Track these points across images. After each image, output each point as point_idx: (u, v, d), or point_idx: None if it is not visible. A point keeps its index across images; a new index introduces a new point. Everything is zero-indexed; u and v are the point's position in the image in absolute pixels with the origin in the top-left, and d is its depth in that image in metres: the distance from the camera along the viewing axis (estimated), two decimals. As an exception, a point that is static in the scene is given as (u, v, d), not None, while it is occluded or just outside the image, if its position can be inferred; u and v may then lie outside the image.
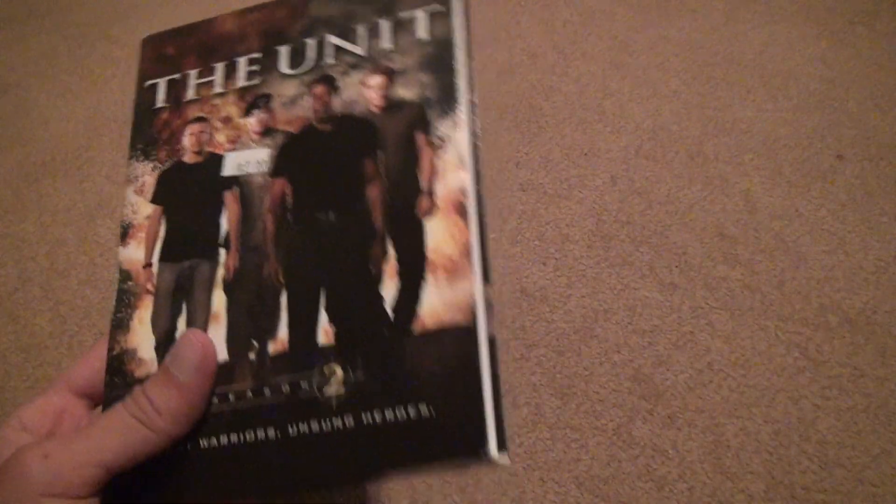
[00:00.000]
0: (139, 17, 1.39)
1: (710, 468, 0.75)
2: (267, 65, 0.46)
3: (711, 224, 0.96)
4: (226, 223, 0.42)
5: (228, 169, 0.44)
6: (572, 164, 1.05)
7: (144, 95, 0.48)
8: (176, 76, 0.48)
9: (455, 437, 0.32)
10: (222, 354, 0.38)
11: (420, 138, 0.40)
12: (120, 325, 0.41)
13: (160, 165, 0.45)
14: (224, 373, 0.38)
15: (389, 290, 0.36)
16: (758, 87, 1.14)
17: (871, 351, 0.83)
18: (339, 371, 0.35)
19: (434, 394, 0.33)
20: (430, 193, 0.38)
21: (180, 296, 0.41)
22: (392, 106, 0.42)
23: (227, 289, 0.40)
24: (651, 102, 1.13)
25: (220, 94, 0.46)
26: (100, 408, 0.40)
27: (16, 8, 1.44)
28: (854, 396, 0.79)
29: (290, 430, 0.35)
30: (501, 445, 0.32)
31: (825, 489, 0.73)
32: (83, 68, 1.29)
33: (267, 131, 0.45)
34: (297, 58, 0.45)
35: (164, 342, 0.40)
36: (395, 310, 0.36)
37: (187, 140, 0.46)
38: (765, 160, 1.03)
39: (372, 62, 0.43)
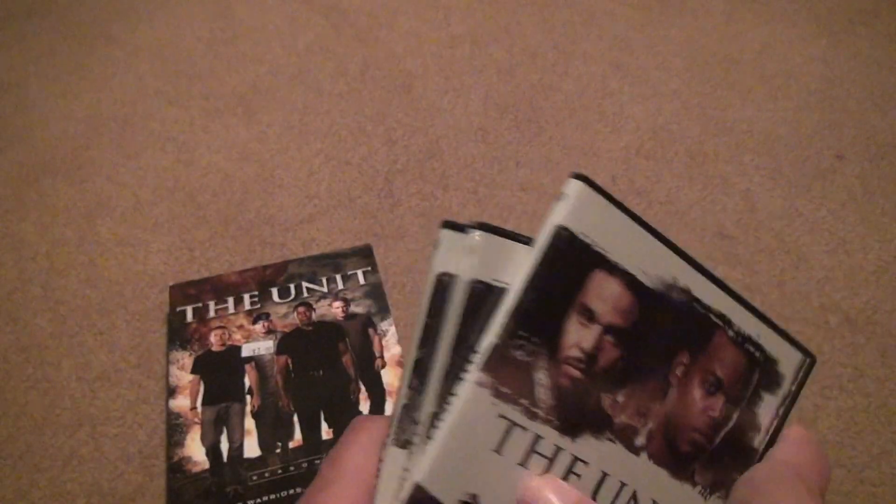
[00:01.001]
0: (139, 17, 1.39)
1: (710, 468, 0.75)
2: (263, 297, 0.78)
3: (712, 224, 0.96)
4: (248, 381, 0.70)
5: (246, 352, 0.72)
6: (573, 164, 1.05)
7: (176, 317, 0.79)
8: (199, 305, 0.79)
9: None
10: (256, 451, 0.67)
11: (370, 331, 0.75)
12: (177, 444, 0.68)
13: (194, 352, 0.73)
14: (259, 462, 0.66)
15: (365, 407, 0.69)
16: (758, 86, 1.14)
17: (871, 351, 0.83)
18: None
19: None
20: (381, 357, 0.73)
21: (221, 423, 0.68)
22: (350, 316, 0.76)
23: (255, 416, 0.68)
24: (651, 102, 1.13)
25: (233, 314, 0.76)
26: None
27: (15, 7, 1.43)
28: (854, 396, 0.79)
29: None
30: None
31: (825, 489, 0.73)
32: (83, 68, 1.29)
33: (269, 331, 0.74)
34: (283, 293, 0.78)
35: (212, 450, 0.67)
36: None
37: (213, 338, 0.74)
38: (765, 160, 1.03)
39: (333, 295, 0.78)
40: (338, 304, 0.75)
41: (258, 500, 0.63)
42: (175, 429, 0.67)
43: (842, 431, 0.77)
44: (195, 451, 0.65)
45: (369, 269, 0.79)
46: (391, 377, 0.69)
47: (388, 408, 0.65)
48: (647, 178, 1.02)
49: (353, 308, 0.75)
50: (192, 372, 0.71)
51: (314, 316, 0.74)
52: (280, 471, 0.63)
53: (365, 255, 0.82)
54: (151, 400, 0.84)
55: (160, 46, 1.32)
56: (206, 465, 0.63)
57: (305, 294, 0.77)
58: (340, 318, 0.74)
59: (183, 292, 0.79)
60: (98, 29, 1.37)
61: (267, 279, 0.79)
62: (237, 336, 0.73)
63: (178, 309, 0.77)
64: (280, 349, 0.72)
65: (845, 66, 1.16)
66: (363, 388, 0.68)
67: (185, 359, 0.72)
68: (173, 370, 0.71)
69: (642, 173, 1.03)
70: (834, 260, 0.91)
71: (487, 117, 1.13)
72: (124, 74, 1.27)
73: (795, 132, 1.07)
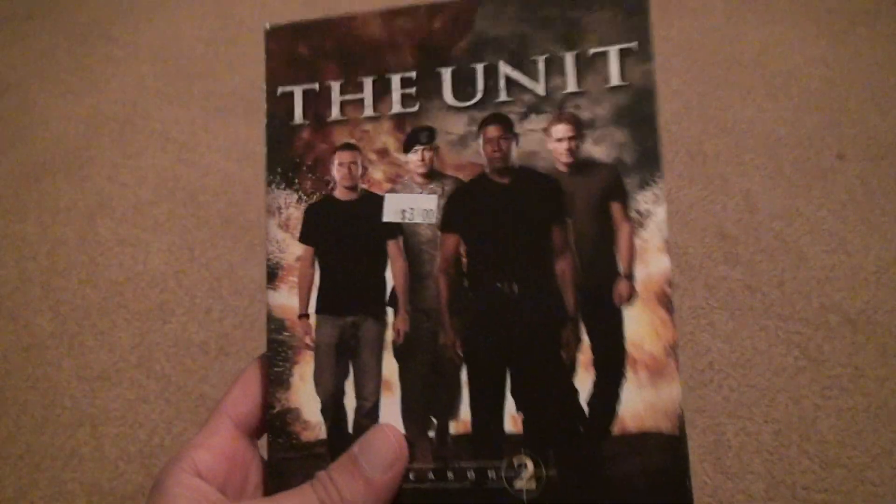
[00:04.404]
0: (139, 17, 1.39)
1: (710, 468, 0.75)
2: (426, 88, 0.38)
3: (712, 224, 0.96)
4: (391, 278, 0.38)
5: (390, 214, 0.38)
6: (573, 164, 1.05)
7: (278, 105, 0.40)
8: (315, 86, 0.40)
9: None
10: (398, 426, 0.36)
11: (616, 210, 0.35)
12: (279, 380, 0.37)
13: (306, 198, 0.40)
14: None
15: (584, 382, 0.33)
16: (758, 86, 1.14)
17: (871, 351, 0.83)
18: (530, 465, 0.33)
19: (638, 502, 0.31)
20: (630, 277, 0.34)
21: (345, 355, 0.38)
22: (582, 166, 0.36)
23: (398, 354, 0.37)
24: (651, 102, 1.13)
25: (372, 119, 0.39)
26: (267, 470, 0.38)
27: (16, 7, 1.43)
28: (854, 396, 0.79)
29: None
30: None
31: (825, 489, 0.73)
32: (83, 68, 1.29)
33: (432, 174, 0.38)
34: (463, 85, 0.38)
35: (332, 406, 0.37)
36: (590, 405, 0.33)
37: (337, 171, 0.39)
38: (765, 160, 1.03)
39: (555, 106, 0.36)
40: (562, 129, 0.36)
41: None
42: (278, 350, 0.38)
43: (842, 431, 0.77)
44: (306, 400, 0.37)
45: (635, 45, 0.37)
46: (642, 328, 0.33)
47: (627, 390, 0.33)
48: (647, 178, 1.02)
49: (591, 146, 0.36)
50: (303, 240, 0.39)
51: (514, 152, 0.37)
52: (432, 475, 0.35)
53: (630, 11, 0.37)
54: (152, 399, 0.84)
55: (161, 46, 1.32)
56: (323, 434, 0.37)
57: (503, 95, 0.37)
58: (563, 167, 0.36)
59: (290, 52, 0.41)
60: (98, 29, 1.37)
61: (436, 41, 0.39)
62: (377, 174, 0.39)
63: (281, 90, 0.41)
64: (448, 221, 0.38)
65: (846, 66, 1.16)
66: (586, 340, 0.34)
67: (293, 207, 0.40)
68: (272, 227, 0.39)
69: (642, 173, 1.03)
70: (834, 260, 0.91)
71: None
72: (125, 74, 1.27)
73: (796, 132, 1.07)
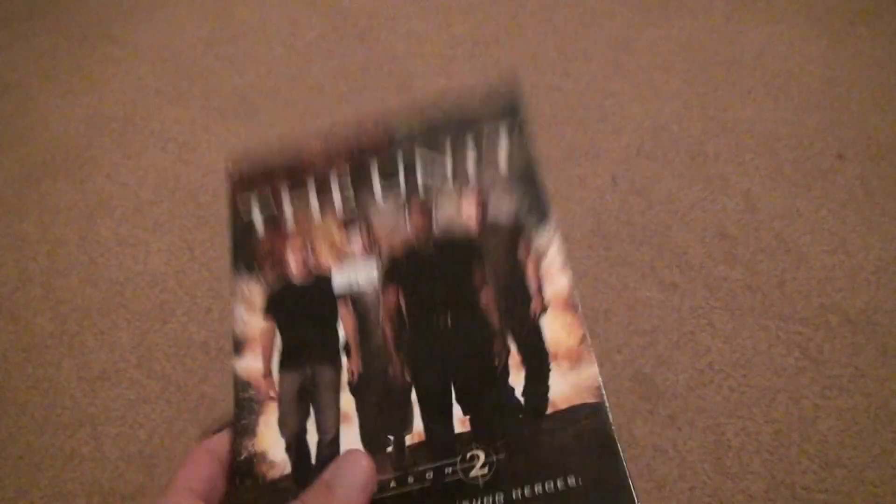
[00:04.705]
0: (140, 17, 1.39)
1: (710, 468, 0.75)
2: (360, 186, 0.48)
3: (712, 224, 0.96)
4: (343, 332, 0.45)
5: (339, 288, 0.46)
6: (573, 164, 1.05)
7: (240, 219, 0.50)
8: (268, 198, 0.50)
9: (605, 501, 0.36)
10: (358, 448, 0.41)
11: (521, 251, 0.45)
12: (245, 431, 0.42)
13: (267, 284, 0.47)
14: None
15: (518, 380, 0.40)
16: (758, 86, 1.14)
17: (871, 351, 0.83)
18: (481, 454, 0.38)
19: (578, 465, 0.37)
20: (540, 296, 0.43)
21: (305, 399, 0.43)
22: (490, 226, 0.46)
23: (354, 390, 0.43)
24: (652, 102, 1.13)
25: (320, 222, 0.49)
26: None
27: (17, 7, 1.43)
28: (855, 396, 0.79)
29: None
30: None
31: (826, 489, 0.73)
32: (84, 68, 1.29)
33: (370, 248, 0.48)
34: (387, 174, 0.48)
35: (295, 443, 0.42)
36: (524, 396, 0.40)
37: (293, 262, 0.48)
38: (765, 160, 1.03)
39: (461, 183, 0.47)
40: (469, 201, 0.47)
41: None
42: (244, 406, 0.44)
43: (842, 431, 0.77)
44: (271, 443, 0.42)
45: (516, 129, 0.49)
46: (556, 330, 0.42)
47: (554, 379, 0.41)
48: (647, 178, 1.02)
49: (493, 209, 0.47)
50: (265, 315, 0.47)
51: (435, 225, 0.47)
52: (393, 483, 0.40)
53: (508, 102, 0.51)
54: (152, 399, 0.84)
55: (161, 46, 1.32)
56: (288, 469, 0.41)
57: (420, 179, 0.48)
58: (474, 229, 0.47)
59: (247, 177, 0.51)
60: (99, 29, 1.37)
61: (363, 148, 0.51)
62: (325, 258, 0.48)
63: (243, 208, 0.50)
64: (387, 281, 0.46)
65: (846, 66, 1.16)
66: (513, 348, 0.42)
67: (255, 293, 0.47)
68: (239, 311, 0.47)
69: (643, 173, 1.03)
70: (834, 260, 0.91)
71: (488, 117, 1.13)
72: (125, 74, 1.27)
73: (796, 132, 1.07)
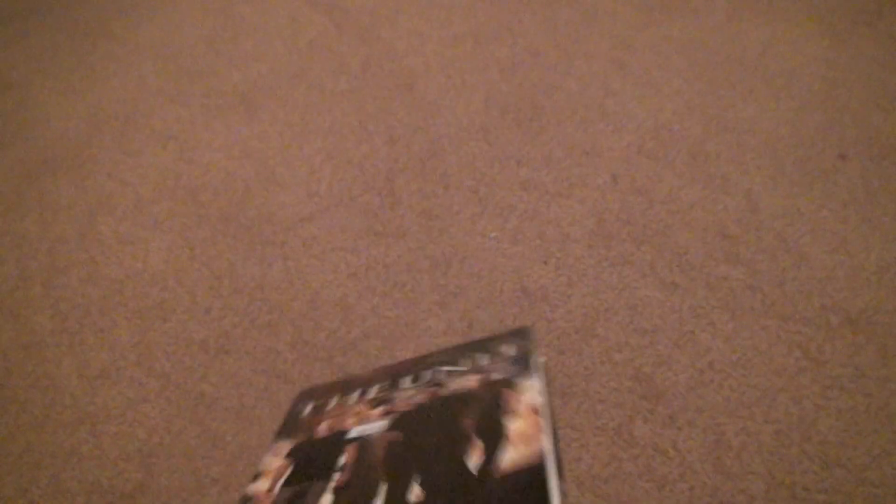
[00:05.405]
0: (140, 15, 1.39)
1: (710, 468, 0.75)
2: (392, 387, 0.63)
3: (713, 223, 0.96)
4: (343, 459, 0.56)
5: (352, 434, 0.58)
6: (574, 163, 1.05)
7: (292, 413, 0.65)
8: (320, 402, 0.65)
9: None
10: None
11: (506, 391, 0.57)
12: None
13: (295, 440, 0.61)
14: None
15: (475, 459, 0.49)
16: (760, 86, 1.14)
17: (872, 351, 0.82)
18: None
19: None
20: (514, 412, 0.54)
21: (294, 502, 0.53)
22: (486, 384, 0.59)
23: (336, 491, 0.53)
24: (653, 101, 1.13)
25: (354, 404, 0.63)
26: None
27: (18, 5, 1.43)
28: (855, 396, 0.79)
29: None
30: None
31: (826, 489, 0.73)
32: (85, 66, 1.29)
33: (387, 413, 0.60)
34: (416, 379, 0.64)
35: None
36: (478, 469, 0.48)
37: (322, 426, 0.62)
38: (766, 159, 1.03)
39: (472, 370, 0.61)
40: (475, 377, 0.60)
41: None
42: None
43: (842, 431, 0.77)
44: None
45: (526, 349, 0.64)
46: (521, 426, 0.52)
47: (506, 453, 0.50)
48: (648, 178, 1.02)
49: (493, 376, 0.60)
50: (286, 457, 0.59)
51: (444, 393, 0.60)
52: None
53: (520, 337, 0.66)
54: (152, 398, 0.84)
55: (162, 44, 1.32)
56: None
57: (441, 377, 0.62)
58: (474, 388, 0.59)
59: (309, 395, 0.68)
60: (99, 27, 1.37)
61: (401, 370, 0.67)
62: (349, 421, 0.61)
63: (297, 408, 0.66)
64: (393, 425, 0.58)
65: (847, 66, 1.16)
66: (479, 442, 0.52)
67: (285, 446, 0.60)
68: (266, 457, 0.60)
69: (644, 172, 1.03)
70: (835, 260, 0.91)
71: (489, 116, 1.13)
72: (126, 72, 1.27)
73: (797, 132, 1.06)
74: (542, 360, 0.64)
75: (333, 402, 0.64)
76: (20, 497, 0.77)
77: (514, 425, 0.52)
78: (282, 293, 0.92)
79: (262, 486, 0.56)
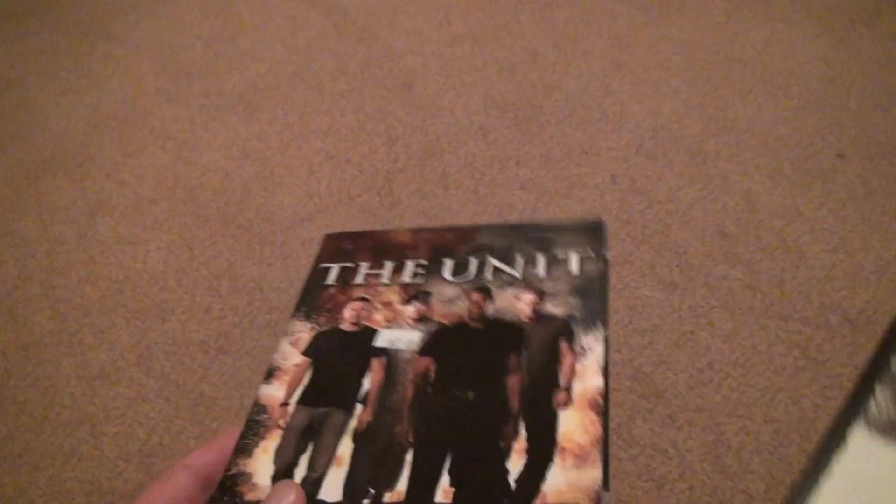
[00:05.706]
0: (139, 15, 1.38)
1: (710, 467, 0.75)
2: (432, 270, 0.52)
3: (712, 223, 0.96)
4: (368, 383, 0.47)
5: (381, 341, 0.49)
6: (573, 163, 1.05)
7: (317, 274, 0.54)
8: (349, 265, 0.54)
9: None
10: (337, 495, 0.41)
11: (563, 345, 0.45)
12: (243, 449, 0.44)
13: (318, 327, 0.51)
14: None
15: (516, 465, 0.39)
16: (758, 86, 1.14)
17: (871, 351, 0.82)
18: None
19: None
20: (568, 390, 0.43)
21: (309, 436, 0.45)
22: (541, 318, 0.47)
23: (356, 438, 0.44)
24: (652, 101, 1.13)
25: (386, 285, 0.52)
26: None
27: (16, 5, 1.43)
28: (854, 396, 0.79)
29: None
30: None
31: (825, 489, 0.73)
32: (83, 66, 1.29)
33: (422, 319, 0.50)
34: (459, 269, 0.52)
35: (283, 474, 0.43)
36: (517, 482, 0.39)
37: (348, 312, 0.51)
38: (765, 159, 1.03)
39: (526, 283, 0.49)
40: (529, 296, 0.49)
41: None
42: (251, 427, 0.46)
43: (842, 431, 0.77)
44: (261, 467, 0.44)
45: (591, 255, 0.51)
46: (573, 426, 0.42)
47: (553, 472, 0.40)
48: (647, 177, 1.02)
49: (549, 307, 0.49)
50: (305, 353, 0.50)
51: (491, 308, 0.49)
52: None
53: (590, 233, 0.54)
54: (151, 398, 0.84)
55: (160, 44, 1.32)
56: (263, 495, 0.42)
57: (489, 276, 0.51)
58: (526, 319, 0.49)
59: (337, 246, 0.57)
60: (98, 27, 1.37)
61: (445, 245, 0.55)
62: (378, 316, 0.51)
63: (322, 265, 0.56)
64: (426, 348, 0.49)
65: (846, 65, 1.16)
66: (523, 433, 0.42)
67: (305, 332, 0.51)
68: (283, 344, 0.51)
69: (643, 172, 1.03)
70: (834, 259, 0.91)
71: (488, 116, 1.13)
72: (124, 72, 1.27)
73: (796, 131, 1.07)
74: (609, 254, 0.48)
75: (362, 271, 0.54)
76: (20, 497, 0.77)
77: (568, 423, 0.41)
78: (281, 293, 0.92)
79: (276, 392, 0.48)
